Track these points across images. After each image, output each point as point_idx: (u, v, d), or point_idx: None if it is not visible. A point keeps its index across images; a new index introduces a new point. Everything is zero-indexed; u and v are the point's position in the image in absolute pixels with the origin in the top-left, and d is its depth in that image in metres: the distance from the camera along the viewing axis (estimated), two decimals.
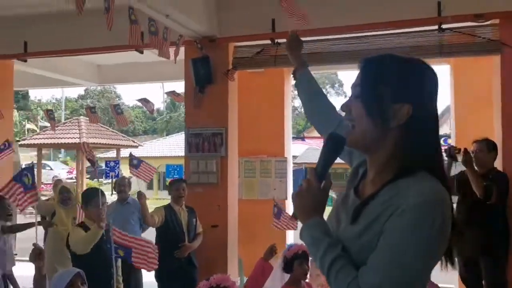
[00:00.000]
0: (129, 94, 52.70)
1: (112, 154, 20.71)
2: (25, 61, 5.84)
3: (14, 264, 4.89)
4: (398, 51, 4.45)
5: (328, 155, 1.18)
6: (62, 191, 4.80)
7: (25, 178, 3.71)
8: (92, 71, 7.66)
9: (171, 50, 4.38)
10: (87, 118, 16.08)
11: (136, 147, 18.42)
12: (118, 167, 14.58)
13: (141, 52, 5.18)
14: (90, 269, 3.35)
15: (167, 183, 6.67)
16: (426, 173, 1.09)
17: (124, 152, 20.30)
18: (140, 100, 5.26)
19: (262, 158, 6.21)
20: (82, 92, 45.94)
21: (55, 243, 4.61)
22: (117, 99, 43.41)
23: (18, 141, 10.86)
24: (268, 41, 4.73)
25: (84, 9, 3.47)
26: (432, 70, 1.17)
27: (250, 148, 6.05)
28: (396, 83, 1.12)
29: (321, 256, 1.10)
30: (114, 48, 5.38)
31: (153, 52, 4.86)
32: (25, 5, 5.23)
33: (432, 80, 1.16)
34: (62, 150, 32.84)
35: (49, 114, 5.55)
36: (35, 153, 18.81)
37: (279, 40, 4.70)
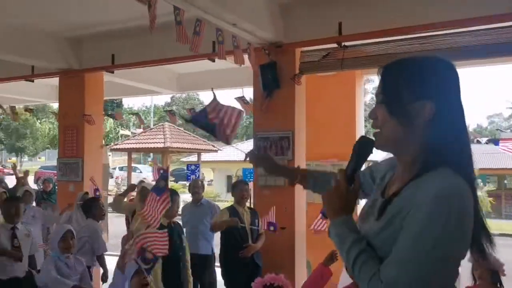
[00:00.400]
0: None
1: (194, 158, 21.71)
2: (112, 72, 6.42)
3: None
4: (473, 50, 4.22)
5: (358, 158, 1.24)
6: (142, 191, 5.20)
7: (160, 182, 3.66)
8: (172, 79, 8.16)
9: (230, 60, 4.56)
10: (171, 124, 17.15)
11: (215, 151, 19.16)
12: (199, 170, 15.32)
13: (213, 61, 5.46)
14: (164, 264, 3.64)
15: None
16: (448, 168, 1.09)
17: (205, 156, 21.22)
18: (237, 99, 5.49)
19: (333, 162, 6.18)
20: (169, 100, 48.79)
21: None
22: (200, 105, 45.39)
23: (108, 145, 11.84)
24: (334, 45, 4.74)
25: (163, 23, 3.79)
26: (452, 67, 1.17)
27: (322, 152, 6.06)
28: (415, 83, 1.14)
29: (347, 251, 1.15)
30: (191, 58, 5.72)
31: (230, 61, 5.11)
32: (112, 22, 5.76)
33: (452, 76, 1.16)
34: (151, 154, 35.16)
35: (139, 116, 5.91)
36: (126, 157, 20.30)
37: (346, 43, 4.70)
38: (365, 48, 4.68)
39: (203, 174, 25.12)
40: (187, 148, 17.59)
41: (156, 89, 8.31)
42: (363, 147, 1.23)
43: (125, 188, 14.30)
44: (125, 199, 5.83)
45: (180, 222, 5.06)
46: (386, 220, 1.13)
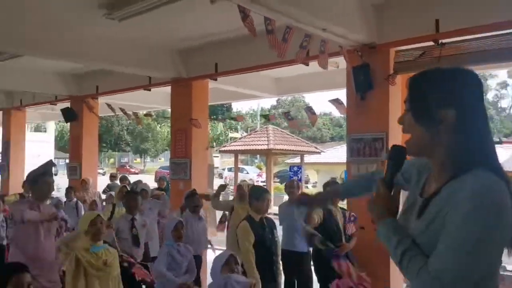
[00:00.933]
0: (316, 102, 54.68)
1: (298, 159, 21.98)
2: (216, 79, 6.95)
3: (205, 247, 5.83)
4: None
5: (393, 165, 1.36)
6: (239, 189, 5.58)
7: None
8: (271, 84, 8.52)
9: (335, 60, 4.66)
10: (275, 127, 17.66)
11: (318, 153, 19.21)
12: (301, 172, 15.55)
13: (307, 65, 5.63)
14: (257, 258, 3.91)
15: None
16: (481, 168, 1.16)
17: (309, 158, 21.37)
18: (332, 101, 5.67)
19: None
20: (274, 103, 49.95)
21: (232, 235, 5.38)
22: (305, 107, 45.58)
23: (213, 147, 12.68)
24: (430, 43, 4.59)
25: (259, 31, 4.08)
26: (475, 75, 1.23)
27: None
28: (438, 92, 1.24)
29: (393, 249, 1.27)
30: (286, 63, 5.96)
31: (332, 66, 5.18)
32: (215, 34, 6.27)
33: (475, 84, 1.23)
34: (258, 156, 36.38)
35: (310, 110, 6.24)
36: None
37: (443, 41, 4.54)
38: (464, 45, 4.46)
39: (307, 175, 25.31)
40: (290, 150, 17.94)
41: (257, 93, 8.74)
42: (396, 154, 1.35)
43: (232, 187, 15.08)
44: (220, 198, 6.25)
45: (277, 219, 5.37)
46: (428, 219, 1.22)
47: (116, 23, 5.19)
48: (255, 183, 20.59)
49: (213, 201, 5.97)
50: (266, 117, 7.31)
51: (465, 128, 1.21)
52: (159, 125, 40.37)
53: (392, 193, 1.33)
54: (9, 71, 8.01)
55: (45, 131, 23.82)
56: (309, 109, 5.69)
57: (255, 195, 4.11)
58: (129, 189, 6.17)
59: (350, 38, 4.77)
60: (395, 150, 1.36)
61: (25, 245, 3.43)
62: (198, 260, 4.91)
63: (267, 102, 52.12)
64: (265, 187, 4.96)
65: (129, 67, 6.82)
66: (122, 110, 8.43)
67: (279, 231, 5.25)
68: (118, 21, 5.11)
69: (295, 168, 16.08)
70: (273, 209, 10.99)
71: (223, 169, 31.92)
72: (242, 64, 6.46)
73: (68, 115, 9.20)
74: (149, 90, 7.90)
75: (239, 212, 5.46)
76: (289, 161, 25.52)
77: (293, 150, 18.13)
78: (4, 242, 5.53)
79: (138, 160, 45.51)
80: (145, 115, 11.34)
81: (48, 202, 4.28)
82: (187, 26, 5.98)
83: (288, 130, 20.88)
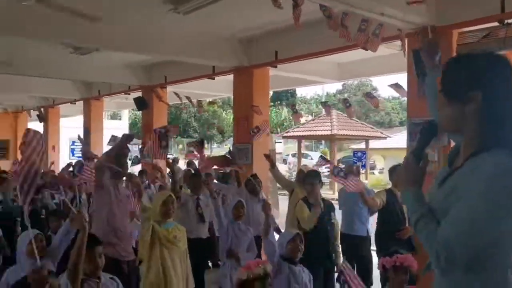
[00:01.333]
0: (384, 86, 52.87)
1: (363, 145, 21.60)
2: (276, 67, 7.11)
3: None
4: None
5: (423, 139, 1.47)
6: (299, 173, 5.76)
7: None
8: (332, 69, 8.51)
9: (394, 44, 4.58)
10: (339, 112, 17.48)
11: (384, 138, 18.75)
12: (365, 158, 15.33)
13: (365, 49, 5.60)
14: (314, 240, 4.06)
15: None
16: (501, 149, 1.25)
17: (376, 144, 20.92)
18: (392, 86, 5.68)
19: None
20: (340, 87, 48.97)
21: (291, 216, 5.58)
22: (373, 91, 44.26)
23: (276, 132, 12.90)
24: (495, 24, 4.41)
25: (315, 18, 4.16)
26: (504, 60, 1.29)
27: None
28: (469, 75, 1.34)
29: (412, 214, 1.41)
30: (349, 48, 5.96)
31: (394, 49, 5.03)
32: (275, 22, 6.41)
33: (504, 69, 1.29)
34: (323, 142, 36.13)
35: (293, 108, 6.61)
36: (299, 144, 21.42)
37: (510, 21, 4.34)
38: None
39: (373, 161, 24.76)
40: (354, 135, 17.71)
41: (318, 79, 8.79)
42: (428, 129, 1.46)
43: (295, 173, 15.23)
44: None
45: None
46: (446, 191, 1.34)
47: (181, 17, 5.53)
48: (307, 167, 20.59)
49: (272, 171, 6.14)
50: (325, 104, 7.33)
51: (490, 110, 1.30)
52: (225, 112, 41.32)
53: (420, 164, 1.44)
54: (88, 65, 8.76)
55: (120, 119, 25.44)
56: (368, 94, 5.69)
57: (307, 179, 4.27)
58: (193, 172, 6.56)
59: (410, 20, 4.71)
60: (427, 125, 1.48)
61: (104, 217, 3.86)
62: (259, 240, 5.18)
63: (333, 87, 51.26)
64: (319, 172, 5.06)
65: (194, 58, 7.19)
66: (188, 98, 8.89)
67: (339, 215, 5.39)
68: (182, 15, 5.44)
69: (359, 154, 15.87)
70: (336, 194, 11.02)
71: (287, 155, 32.10)
72: (302, 51, 6.57)
73: (140, 103, 9.85)
74: (213, 78, 8.25)
75: (299, 195, 5.64)
76: (354, 146, 25.12)
77: (357, 135, 17.87)
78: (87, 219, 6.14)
79: (206, 146, 46.96)
80: (209, 103, 11.80)
81: (123, 185, 4.69)
82: (247, 16, 6.19)
83: (355, 115, 20.52)
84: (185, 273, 3.74)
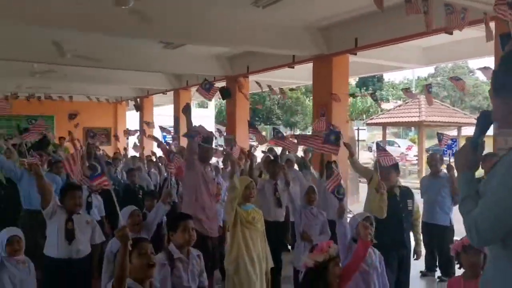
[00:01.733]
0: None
1: (455, 132, 20.37)
2: (355, 54, 7.08)
3: None
4: None
5: (480, 127, 1.55)
6: (375, 164, 5.73)
7: None
8: (417, 54, 8.22)
9: (477, 29, 4.38)
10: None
11: None
12: (456, 145, 14.42)
13: (450, 33, 5.41)
14: (387, 227, 4.10)
15: None
16: None
17: (468, 131, 19.61)
18: (480, 69, 5.49)
19: None
20: (432, 71, 46.10)
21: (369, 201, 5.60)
22: (470, 74, 41.09)
23: (362, 119, 12.73)
24: None
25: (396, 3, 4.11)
26: None
27: None
28: None
29: (461, 195, 1.56)
30: (434, 32, 5.74)
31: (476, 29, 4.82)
32: (354, 10, 6.40)
33: None
34: (412, 129, 34.52)
35: (373, 97, 6.55)
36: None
37: None
38: None
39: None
40: (444, 122, 16.76)
41: (402, 65, 8.55)
42: (483, 119, 1.54)
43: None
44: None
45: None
46: (487, 178, 1.47)
47: (261, 10, 5.77)
48: (405, 157, 19.76)
49: (350, 160, 6.18)
50: (407, 90, 7.11)
51: None
52: (308, 99, 41.22)
53: (476, 151, 1.55)
54: (177, 57, 9.42)
55: (207, 108, 26.65)
56: (454, 78, 5.48)
57: (380, 167, 4.31)
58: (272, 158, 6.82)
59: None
60: (483, 115, 1.57)
61: (193, 195, 4.29)
62: (333, 224, 5.32)
63: (425, 71, 48.30)
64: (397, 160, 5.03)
65: (274, 48, 7.42)
66: (269, 86, 9.17)
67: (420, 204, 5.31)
68: (262, 7, 5.68)
69: (450, 141, 14.94)
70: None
71: (373, 143, 31.21)
72: (382, 37, 6.49)
73: (224, 93, 10.30)
74: (293, 67, 8.41)
75: (376, 182, 5.65)
76: (447, 133, 23.71)
77: (448, 122, 16.88)
78: (176, 200, 6.72)
79: (289, 132, 47.30)
80: (290, 89, 11.98)
81: (208, 168, 5.09)
82: (326, 5, 6.25)
83: (448, 100, 19.39)
84: (264, 252, 4.00)
